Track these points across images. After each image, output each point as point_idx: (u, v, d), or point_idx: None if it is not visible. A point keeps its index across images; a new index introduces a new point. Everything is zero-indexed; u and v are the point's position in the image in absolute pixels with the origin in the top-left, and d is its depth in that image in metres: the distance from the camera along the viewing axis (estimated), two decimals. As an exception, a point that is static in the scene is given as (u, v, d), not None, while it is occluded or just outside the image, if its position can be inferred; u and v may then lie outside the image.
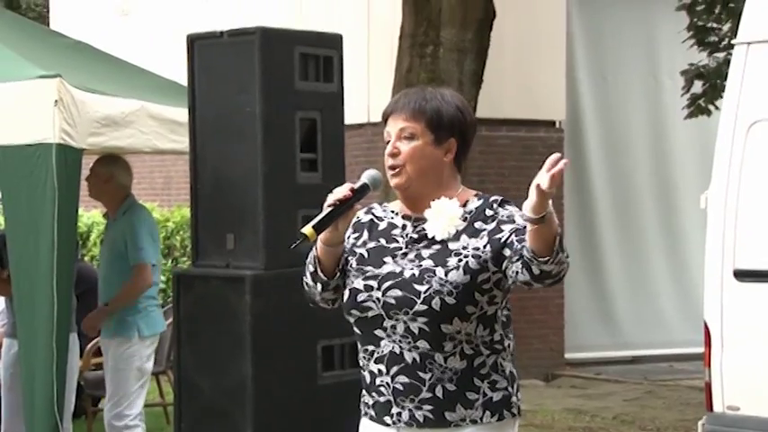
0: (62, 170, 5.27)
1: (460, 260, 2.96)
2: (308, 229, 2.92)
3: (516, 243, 2.90)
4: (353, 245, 3.10)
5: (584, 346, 10.92)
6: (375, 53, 10.35)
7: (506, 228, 2.96)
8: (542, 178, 2.66)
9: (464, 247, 2.97)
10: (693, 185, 10.29)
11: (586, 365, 10.83)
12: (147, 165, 12.58)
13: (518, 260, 2.85)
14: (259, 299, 4.91)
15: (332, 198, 2.96)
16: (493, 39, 8.30)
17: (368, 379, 3.05)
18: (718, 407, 5.34)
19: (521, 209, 2.79)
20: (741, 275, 5.30)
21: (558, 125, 10.92)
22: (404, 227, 3.07)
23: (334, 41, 5.25)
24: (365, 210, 3.15)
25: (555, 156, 2.69)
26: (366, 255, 3.06)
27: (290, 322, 4.94)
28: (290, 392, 4.98)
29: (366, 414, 3.09)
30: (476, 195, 3.07)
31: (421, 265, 2.98)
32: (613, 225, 11.22)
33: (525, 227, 2.83)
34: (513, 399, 3.03)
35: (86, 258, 11.04)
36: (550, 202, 2.71)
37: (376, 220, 3.11)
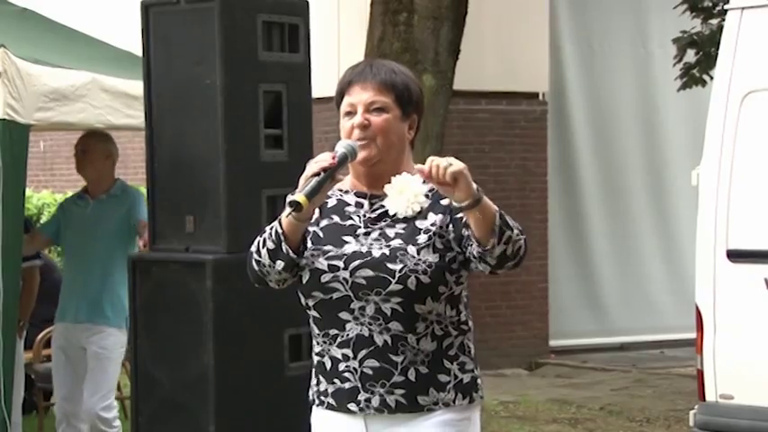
0: (7, 148, 5.24)
1: (429, 238, 3.02)
2: (301, 197, 2.92)
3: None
4: None
5: (569, 333, 10.97)
6: (345, 21, 10.32)
7: None
8: (445, 162, 2.81)
9: (432, 224, 3.04)
10: (686, 162, 10.33)
11: (572, 353, 10.88)
12: (102, 142, 12.50)
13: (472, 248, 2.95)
14: (221, 285, 4.89)
15: (316, 166, 2.97)
16: (471, 5, 8.29)
17: (328, 365, 3.07)
18: (710, 396, 5.37)
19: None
20: (734, 256, 5.33)
21: (541, 97, 10.93)
22: (358, 204, 3.10)
23: (301, 8, 5.22)
24: None
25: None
26: (321, 234, 3.08)
27: (255, 310, 4.93)
28: (255, 385, 4.98)
29: (322, 403, 3.10)
30: None
31: (390, 245, 3.02)
32: (600, 204, 11.25)
33: None
34: (479, 381, 3.13)
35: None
36: (474, 186, 2.85)
37: (325, 200, 3.10)
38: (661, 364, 10.46)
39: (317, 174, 2.95)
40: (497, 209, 2.88)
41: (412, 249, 3.00)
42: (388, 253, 3.00)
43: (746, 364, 5.32)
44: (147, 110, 5.19)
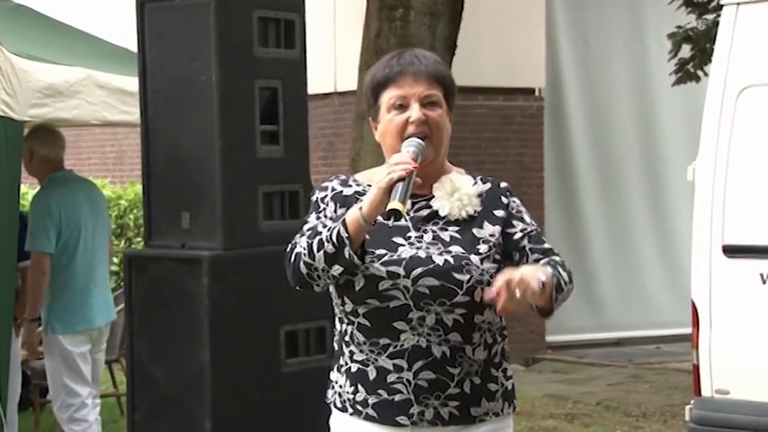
0: (2, 144, 5.23)
1: (489, 248, 2.94)
2: (398, 205, 2.78)
3: (530, 255, 2.98)
4: None
5: (566, 328, 10.96)
6: (341, 17, 10.31)
7: (518, 225, 3.00)
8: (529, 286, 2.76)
9: (491, 235, 2.95)
10: (682, 157, 10.32)
11: (568, 348, 10.88)
12: (98, 138, 12.48)
13: None
14: (217, 281, 4.88)
15: (399, 168, 2.80)
16: (467, 1, 8.28)
17: (372, 375, 2.91)
18: (706, 391, 5.37)
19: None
20: (730, 251, 5.32)
21: (537, 93, 10.93)
22: None
23: (296, 4, 5.21)
24: (339, 182, 3.01)
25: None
26: (366, 234, 2.85)
27: (251, 306, 4.93)
28: (252, 381, 4.97)
29: (358, 413, 2.94)
30: (467, 173, 3.03)
31: (450, 251, 2.91)
32: (596, 199, 11.26)
33: (534, 231, 2.99)
34: (516, 385, 3.08)
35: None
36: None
37: (359, 196, 2.94)
38: (657, 359, 10.46)
39: (403, 178, 2.79)
40: (556, 295, 2.90)
41: (475, 259, 2.89)
42: (452, 261, 2.88)
43: (742, 359, 5.32)
44: (142, 106, 5.18)
